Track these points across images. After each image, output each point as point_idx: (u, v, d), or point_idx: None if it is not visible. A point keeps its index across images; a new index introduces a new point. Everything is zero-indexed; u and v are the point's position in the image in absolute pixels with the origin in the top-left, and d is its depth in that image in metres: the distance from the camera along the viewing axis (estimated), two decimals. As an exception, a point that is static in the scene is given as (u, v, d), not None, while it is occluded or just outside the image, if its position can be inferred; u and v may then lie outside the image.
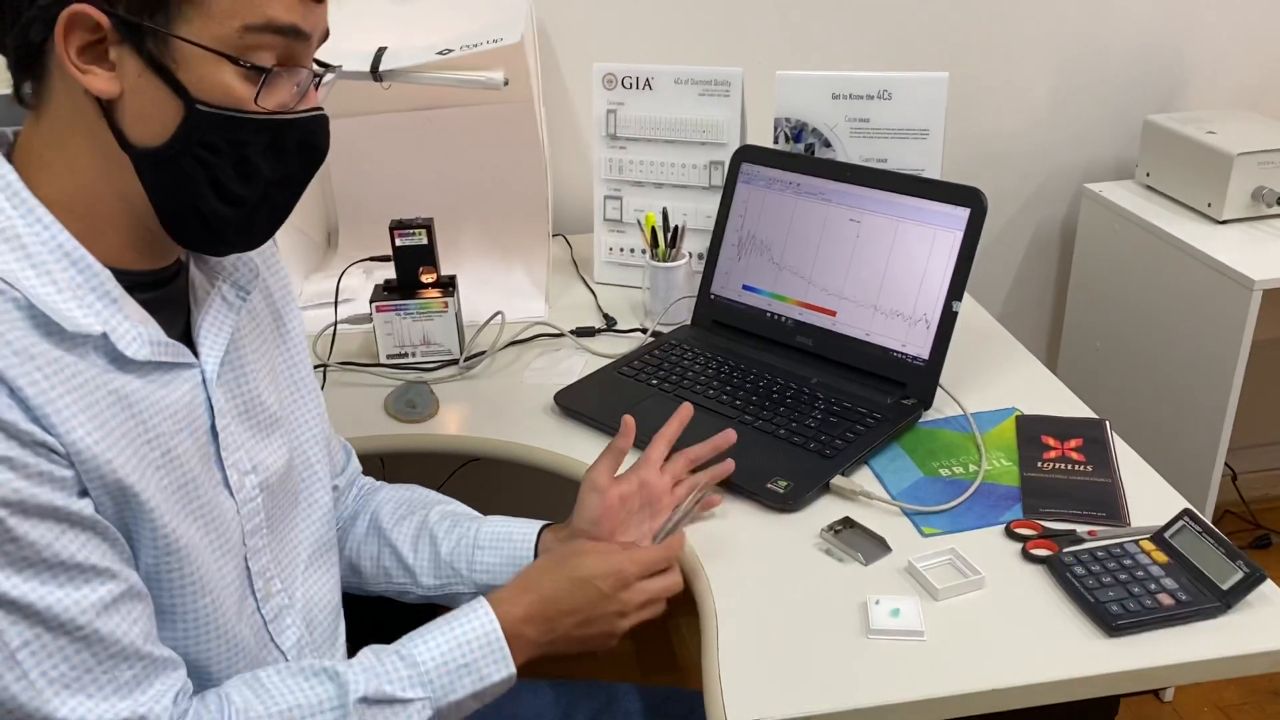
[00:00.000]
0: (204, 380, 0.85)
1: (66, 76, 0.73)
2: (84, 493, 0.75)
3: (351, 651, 1.01)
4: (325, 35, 0.81)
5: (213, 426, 0.86)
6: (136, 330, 0.79)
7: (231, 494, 0.88)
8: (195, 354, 0.85)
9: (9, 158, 0.78)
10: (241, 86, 0.75)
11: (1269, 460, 2.37)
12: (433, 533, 1.07)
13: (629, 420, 1.09)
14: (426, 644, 0.90)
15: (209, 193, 0.78)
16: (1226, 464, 1.77)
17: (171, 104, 0.74)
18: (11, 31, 0.74)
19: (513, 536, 1.06)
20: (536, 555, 1.04)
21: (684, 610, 1.04)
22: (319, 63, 0.84)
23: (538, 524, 1.08)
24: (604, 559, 0.96)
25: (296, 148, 0.82)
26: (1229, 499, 2.25)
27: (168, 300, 0.85)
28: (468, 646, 0.90)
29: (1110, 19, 1.94)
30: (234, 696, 0.83)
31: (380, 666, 0.88)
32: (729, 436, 1.12)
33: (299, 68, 0.79)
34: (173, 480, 0.81)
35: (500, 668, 0.90)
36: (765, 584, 1.02)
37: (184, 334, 0.86)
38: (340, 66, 0.86)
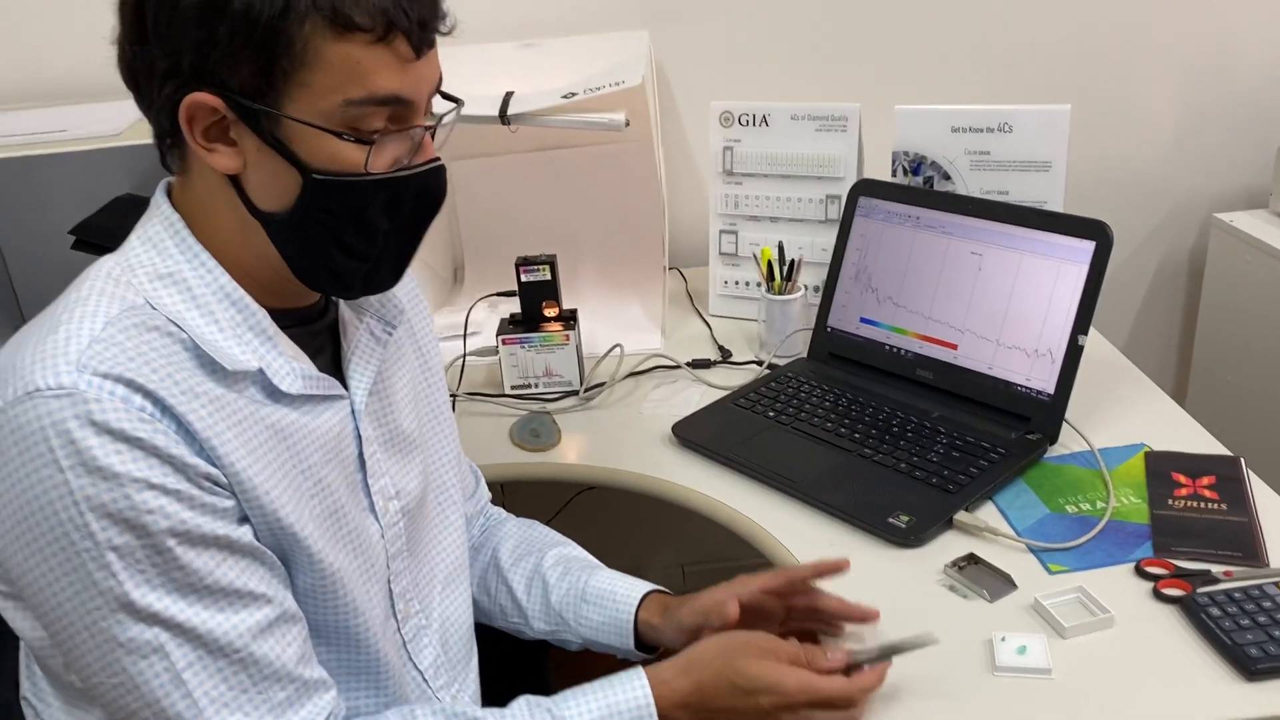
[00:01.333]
0: (353, 411, 0.91)
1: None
2: (244, 520, 0.80)
3: (481, 672, 1.06)
4: (438, 83, 0.84)
5: (360, 455, 0.91)
6: (290, 365, 0.84)
7: (377, 518, 0.93)
8: (344, 385, 0.91)
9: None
10: (351, 154, 0.79)
11: None
12: (545, 578, 1.10)
13: (733, 610, 0.99)
14: (579, 705, 0.90)
15: (334, 250, 0.83)
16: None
17: (290, 175, 0.79)
18: (149, 114, 0.81)
19: (616, 596, 1.06)
20: (637, 620, 1.04)
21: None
22: (446, 96, 0.87)
23: (643, 587, 1.07)
24: (772, 671, 0.90)
25: (413, 201, 0.85)
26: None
27: (317, 335, 0.91)
28: (619, 716, 0.90)
29: (1238, 41, 1.88)
30: None
31: None
32: (843, 566, 1.02)
33: (409, 127, 0.82)
34: (324, 508, 0.86)
35: None
36: (889, 620, 1.02)
37: (332, 366, 0.91)
38: (462, 103, 0.89)
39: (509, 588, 1.11)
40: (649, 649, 1.06)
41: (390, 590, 0.96)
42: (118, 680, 0.76)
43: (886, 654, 0.92)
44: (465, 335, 1.54)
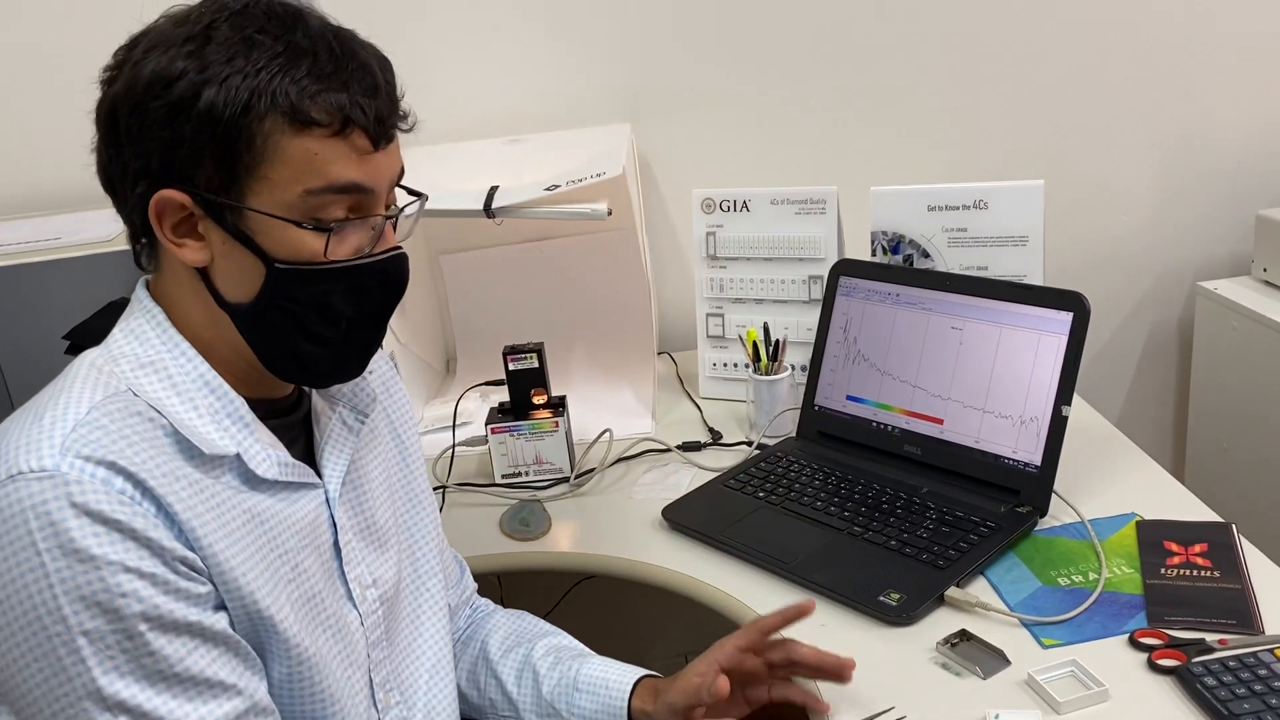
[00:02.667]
0: (327, 499, 0.91)
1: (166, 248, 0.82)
2: (219, 607, 0.80)
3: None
4: (399, 174, 0.87)
5: (335, 543, 0.92)
6: (266, 452, 0.85)
7: (355, 606, 0.93)
8: (319, 474, 0.91)
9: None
10: (312, 243, 0.81)
11: None
12: (536, 669, 1.08)
13: (724, 685, 0.98)
14: None
15: (299, 338, 0.85)
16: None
17: (254, 266, 0.81)
18: (123, 213, 0.83)
19: (609, 683, 1.05)
20: (630, 708, 1.02)
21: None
22: (410, 190, 0.90)
23: (635, 674, 1.06)
24: None
25: (376, 288, 0.87)
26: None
27: (291, 426, 0.92)
28: None
29: (1212, 110, 1.93)
30: None
31: None
32: (805, 610, 1.03)
33: (370, 216, 0.84)
34: (301, 594, 0.86)
35: None
36: (881, 699, 1.01)
37: (306, 455, 0.92)
38: (426, 197, 0.92)
39: (499, 680, 1.10)
40: None
41: (370, 680, 0.95)
42: None
43: None
44: (454, 425, 1.54)
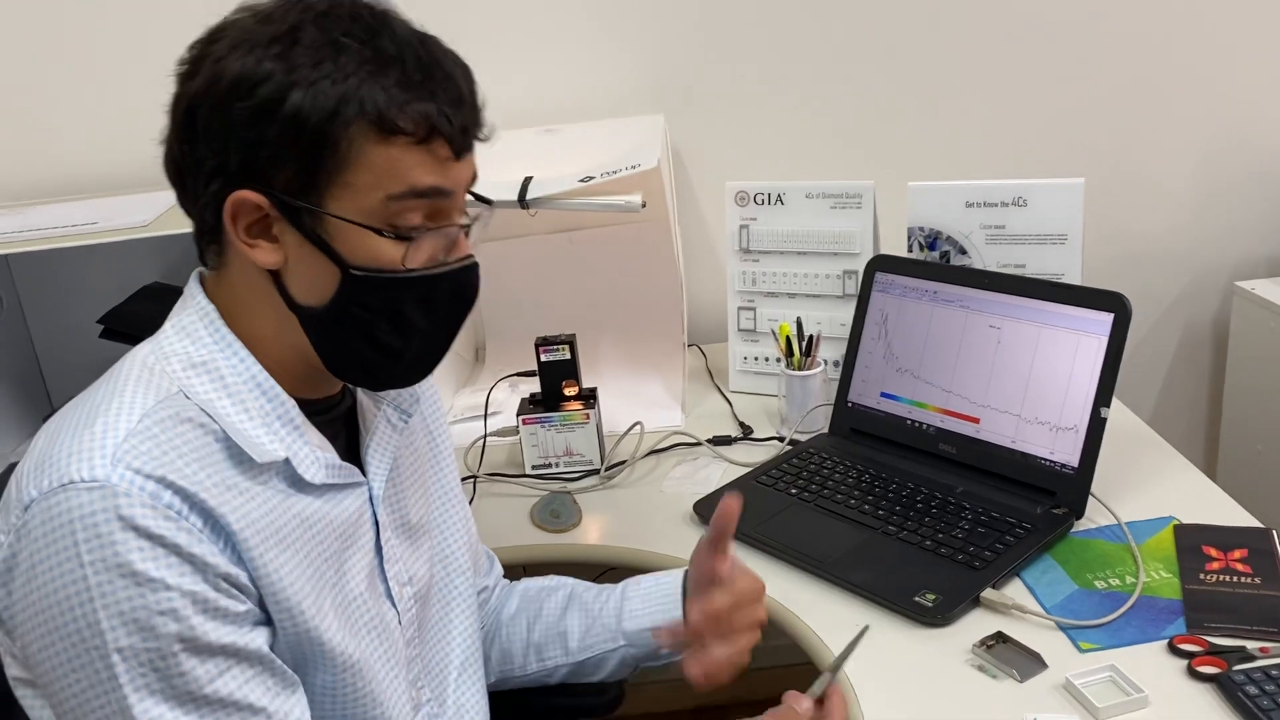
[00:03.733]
0: (371, 498, 0.91)
1: (236, 248, 0.81)
2: (259, 624, 0.80)
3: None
4: (473, 180, 0.86)
5: (377, 541, 0.92)
6: (314, 455, 0.85)
7: (394, 604, 0.93)
8: (363, 471, 0.91)
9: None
10: (390, 251, 0.80)
11: None
12: (581, 597, 1.11)
13: (731, 503, 0.98)
14: None
15: (367, 346, 0.84)
16: None
17: (329, 270, 0.80)
18: (192, 210, 0.83)
19: (660, 580, 1.09)
20: (686, 591, 1.05)
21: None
22: (477, 196, 0.90)
23: (682, 569, 1.09)
24: None
25: (448, 298, 0.86)
26: None
27: (333, 421, 0.92)
28: None
29: (1254, 110, 1.90)
30: None
31: None
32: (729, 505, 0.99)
33: (446, 225, 0.83)
34: (345, 597, 0.86)
35: None
36: (916, 701, 1.00)
37: (349, 452, 0.92)
38: (492, 204, 0.92)
39: (545, 621, 1.11)
40: None
41: (407, 678, 0.95)
42: None
43: (836, 669, 0.97)
44: (486, 415, 1.54)
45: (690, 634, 0.99)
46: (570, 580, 1.17)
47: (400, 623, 0.94)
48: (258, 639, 0.79)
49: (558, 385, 1.48)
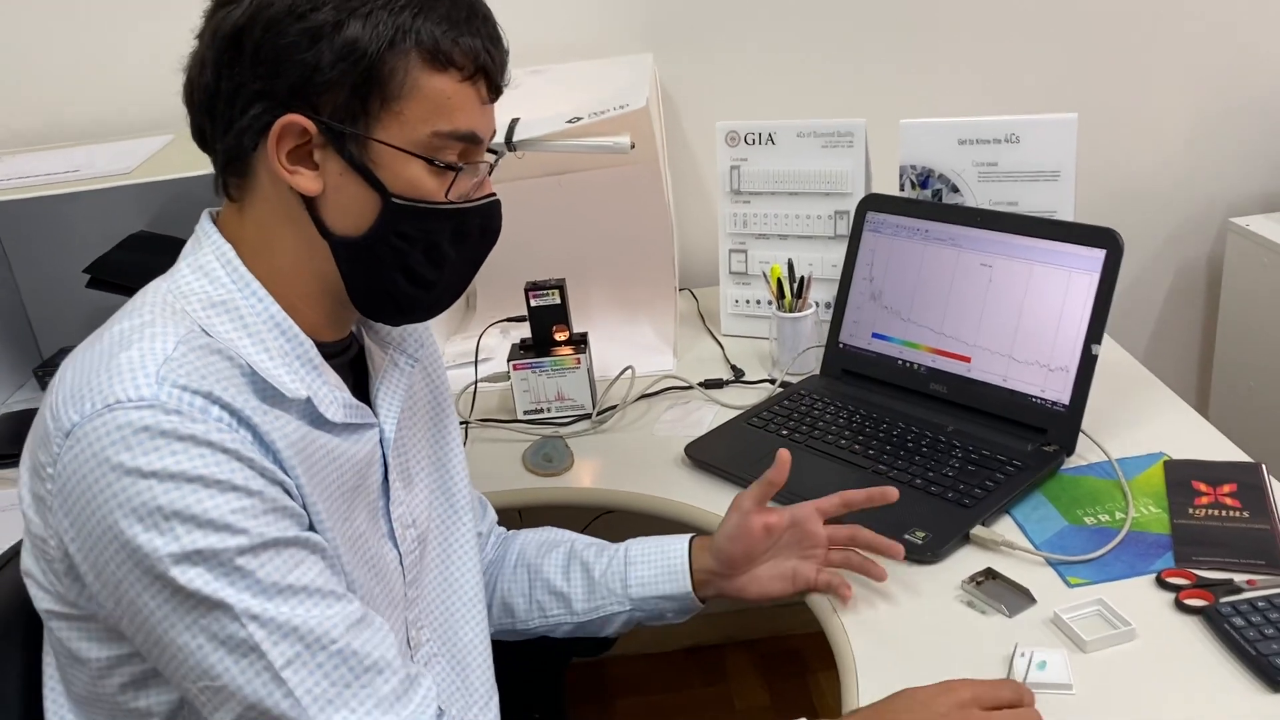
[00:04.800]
0: (381, 440, 0.91)
1: (273, 175, 0.81)
2: (312, 528, 0.81)
3: (503, 703, 1.05)
4: (494, 132, 0.90)
5: (385, 482, 0.92)
6: (333, 394, 0.86)
7: (396, 545, 0.94)
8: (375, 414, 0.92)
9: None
10: (432, 182, 0.83)
11: None
12: (582, 558, 1.12)
13: (784, 455, 1.05)
14: None
15: (400, 276, 0.86)
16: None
17: (370, 199, 0.82)
18: (223, 137, 0.82)
19: (665, 548, 1.11)
20: (691, 561, 1.09)
21: (823, 665, 1.04)
22: (492, 151, 0.91)
23: (686, 535, 1.12)
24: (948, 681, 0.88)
25: (478, 232, 0.90)
26: None
27: (343, 366, 0.92)
28: None
29: (1249, 42, 1.87)
30: None
31: None
32: (889, 494, 1.06)
33: (479, 162, 0.87)
34: (352, 532, 0.87)
35: None
36: (906, 637, 1.01)
37: (358, 396, 0.92)
38: (501, 154, 0.94)
39: (545, 579, 1.12)
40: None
41: (406, 620, 0.96)
42: (216, 685, 0.75)
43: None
44: (476, 361, 1.54)
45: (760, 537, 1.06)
46: (569, 535, 1.18)
47: (402, 564, 0.95)
48: (317, 537, 0.80)
49: (548, 330, 1.47)
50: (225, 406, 0.76)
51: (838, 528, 1.08)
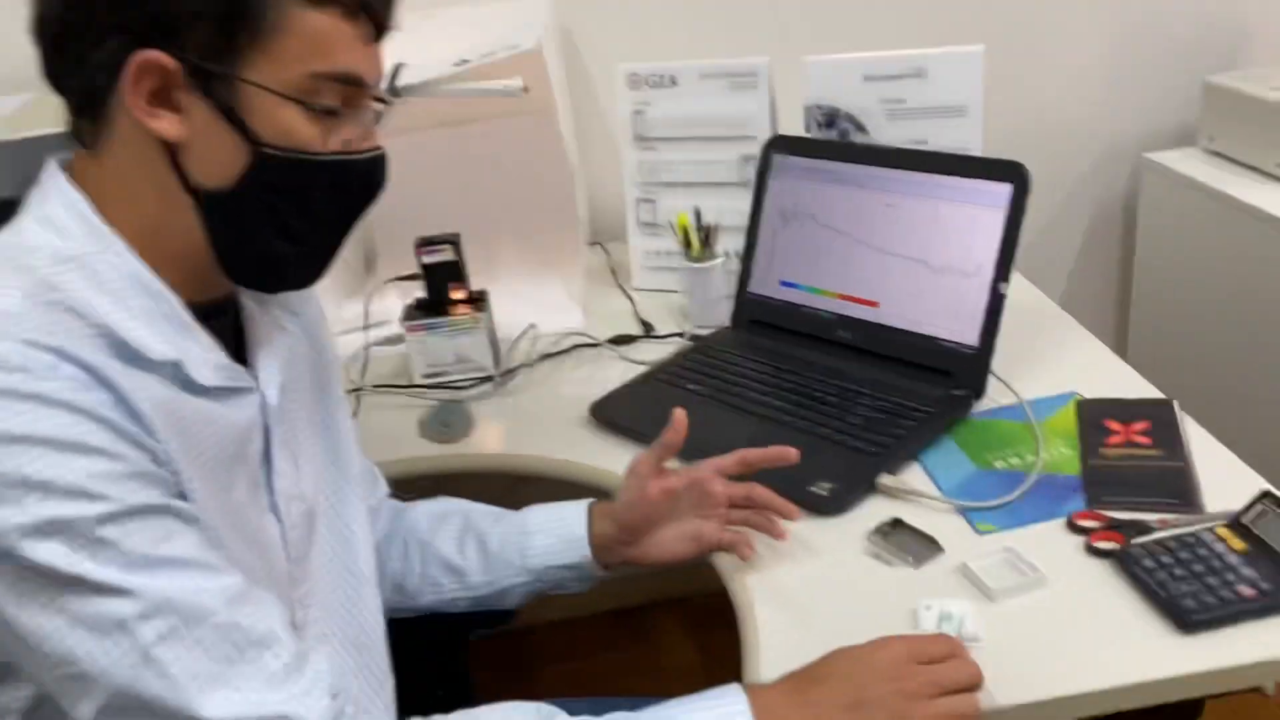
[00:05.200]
0: (262, 405, 0.84)
1: (132, 119, 0.73)
2: (183, 496, 0.73)
3: (399, 684, 0.99)
4: (381, 76, 0.82)
5: (266, 451, 0.85)
6: (205, 356, 0.78)
7: (279, 519, 0.87)
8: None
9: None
10: (309, 129, 0.75)
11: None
12: (478, 530, 1.06)
13: (680, 415, 1.01)
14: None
15: (271, 233, 0.78)
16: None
17: (238, 148, 0.74)
18: (76, 75, 0.73)
19: (564, 517, 1.05)
20: (591, 528, 1.03)
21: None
22: (378, 98, 0.83)
23: (585, 501, 1.06)
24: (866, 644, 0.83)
25: (359, 186, 0.82)
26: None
27: (224, 330, 0.84)
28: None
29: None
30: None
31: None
32: (789, 455, 1.01)
33: (363, 108, 0.79)
34: (229, 505, 0.80)
35: None
36: (810, 592, 0.97)
37: (235, 359, 0.84)
38: (391, 103, 0.84)
39: (438, 555, 1.06)
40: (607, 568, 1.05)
41: (291, 598, 0.89)
42: (76, 671, 0.67)
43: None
44: (366, 325, 1.46)
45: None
46: (464, 506, 1.11)
47: (285, 539, 0.88)
48: (191, 508, 0.72)
49: (443, 289, 1.40)
50: (79, 364, 0.68)
51: (735, 486, 1.03)
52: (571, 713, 0.99)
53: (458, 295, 1.40)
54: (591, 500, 1.07)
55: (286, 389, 0.89)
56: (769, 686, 0.80)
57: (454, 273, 1.40)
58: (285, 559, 0.88)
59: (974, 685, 0.80)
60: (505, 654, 2.09)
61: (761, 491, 1.02)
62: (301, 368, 0.95)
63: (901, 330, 1.26)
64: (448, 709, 1.04)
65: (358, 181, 0.81)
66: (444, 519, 1.09)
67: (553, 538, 1.05)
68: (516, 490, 1.55)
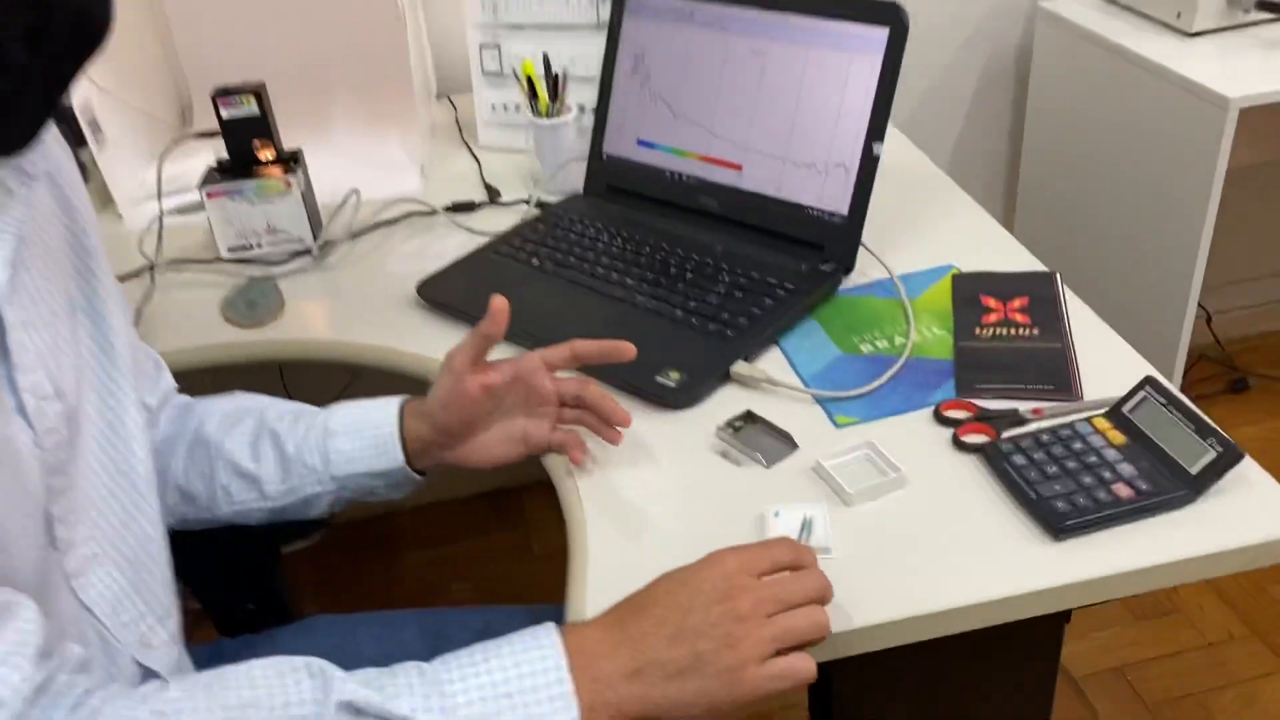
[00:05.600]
0: None
1: None
2: None
3: (203, 598, 0.85)
4: None
5: (4, 344, 0.68)
6: None
7: (30, 424, 0.70)
8: None
9: None
10: None
11: (1245, 298, 2.21)
12: (274, 430, 0.91)
13: (498, 302, 0.86)
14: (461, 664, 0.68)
15: None
16: (1200, 305, 1.61)
17: None
18: None
19: (372, 416, 0.91)
20: (404, 429, 0.89)
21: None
22: None
23: (396, 399, 0.92)
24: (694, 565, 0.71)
25: (65, 29, 0.63)
26: (1203, 342, 2.10)
27: None
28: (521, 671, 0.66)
29: None
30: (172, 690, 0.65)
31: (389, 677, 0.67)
32: (625, 351, 0.87)
33: None
34: None
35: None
36: (647, 496, 0.85)
37: None
38: None
39: (229, 459, 0.91)
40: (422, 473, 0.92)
41: (49, 514, 0.73)
42: None
43: None
44: (160, 193, 1.26)
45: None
46: (260, 402, 0.96)
47: (40, 447, 0.71)
48: None
49: (248, 148, 1.21)
50: None
51: (566, 381, 0.90)
52: (389, 637, 0.87)
53: (265, 155, 1.21)
54: (405, 397, 0.92)
55: (22, 266, 0.71)
56: (587, 624, 0.68)
57: (259, 128, 1.20)
58: (40, 469, 0.72)
59: (821, 599, 0.69)
60: (369, 539, 1.98)
61: (594, 391, 0.88)
62: (49, 242, 0.77)
63: (766, 197, 1.12)
64: (258, 625, 0.92)
65: (63, 23, 0.63)
66: (237, 419, 0.94)
67: (359, 441, 0.90)
68: (333, 384, 1.40)
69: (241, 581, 1.08)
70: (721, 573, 0.67)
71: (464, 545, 1.98)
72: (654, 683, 0.64)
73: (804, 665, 0.65)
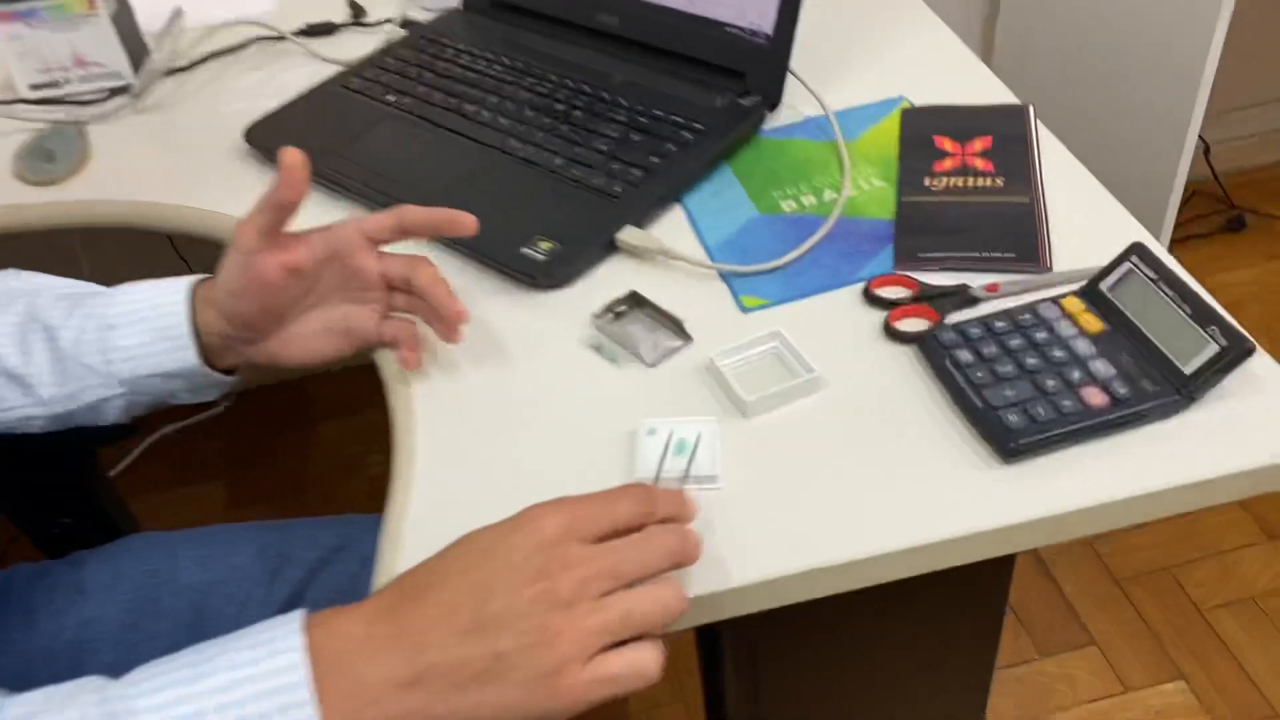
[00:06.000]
0: None
1: None
2: None
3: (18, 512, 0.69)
4: None
5: None
6: None
7: None
8: None
9: None
10: None
11: (1246, 126, 1.99)
12: (46, 322, 0.72)
13: (290, 156, 0.64)
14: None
15: None
16: (1200, 136, 1.41)
17: None
18: None
19: (157, 302, 0.71)
20: (197, 320, 0.71)
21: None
22: None
23: (187, 279, 0.72)
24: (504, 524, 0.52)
25: None
26: (1200, 175, 1.89)
27: None
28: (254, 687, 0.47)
29: None
30: None
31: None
32: (465, 224, 0.68)
33: None
34: None
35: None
36: (496, 405, 0.67)
37: None
38: None
39: None
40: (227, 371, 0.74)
41: None
42: None
43: None
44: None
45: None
46: (31, 284, 0.76)
47: None
48: None
49: (35, -43, 0.97)
50: None
51: (392, 259, 0.70)
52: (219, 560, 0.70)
53: (60, -32, 0.97)
54: (199, 277, 0.73)
55: None
56: (348, 612, 0.50)
57: (45, -68, 0.96)
58: None
59: (677, 563, 0.52)
60: (279, 408, 1.84)
61: (424, 274, 0.69)
62: None
63: (676, 12, 0.90)
64: (74, 541, 0.76)
65: None
66: (6, 303, 0.74)
67: (145, 334, 0.71)
68: (145, 261, 1.19)
69: (49, 493, 0.92)
70: (538, 540, 0.49)
71: (382, 414, 1.83)
72: (438, 693, 0.47)
73: (644, 662, 0.48)
